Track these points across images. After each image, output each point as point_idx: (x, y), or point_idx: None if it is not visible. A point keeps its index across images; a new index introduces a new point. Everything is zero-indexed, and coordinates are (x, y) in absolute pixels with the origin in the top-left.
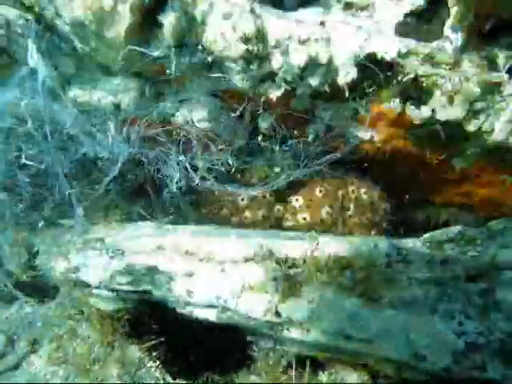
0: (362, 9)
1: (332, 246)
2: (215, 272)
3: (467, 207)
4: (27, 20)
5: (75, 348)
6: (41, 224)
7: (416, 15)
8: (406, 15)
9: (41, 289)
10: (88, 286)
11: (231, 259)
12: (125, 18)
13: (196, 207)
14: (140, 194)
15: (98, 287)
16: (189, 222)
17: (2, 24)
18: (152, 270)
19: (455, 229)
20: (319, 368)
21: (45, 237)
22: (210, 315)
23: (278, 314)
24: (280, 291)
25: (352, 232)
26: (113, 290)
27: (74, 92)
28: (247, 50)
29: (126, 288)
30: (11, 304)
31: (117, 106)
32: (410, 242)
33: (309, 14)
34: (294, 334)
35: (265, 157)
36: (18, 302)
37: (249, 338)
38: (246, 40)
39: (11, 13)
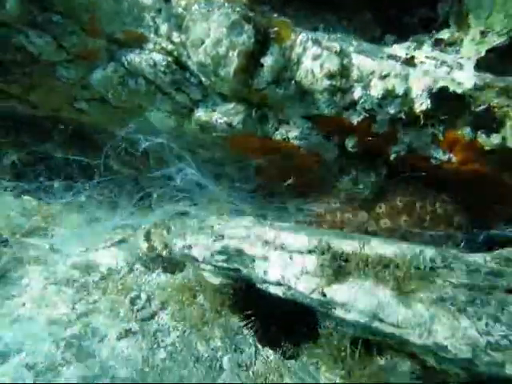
0: (451, 44)
1: (381, 247)
2: (285, 258)
3: None
4: (168, 62)
5: (192, 311)
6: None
7: (499, 51)
8: (489, 51)
9: (175, 263)
10: (197, 260)
11: (298, 249)
12: (233, 62)
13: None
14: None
15: (203, 262)
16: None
17: (152, 64)
18: (240, 252)
19: None
20: (377, 353)
21: (177, 222)
22: (279, 291)
23: (323, 294)
24: (326, 277)
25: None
26: (214, 266)
27: (199, 113)
28: (331, 84)
29: (221, 264)
30: (152, 272)
31: (229, 125)
32: (474, 256)
33: (401, 49)
34: (338, 312)
35: (351, 174)
36: (157, 271)
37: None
38: (330, 76)
39: (157, 56)
